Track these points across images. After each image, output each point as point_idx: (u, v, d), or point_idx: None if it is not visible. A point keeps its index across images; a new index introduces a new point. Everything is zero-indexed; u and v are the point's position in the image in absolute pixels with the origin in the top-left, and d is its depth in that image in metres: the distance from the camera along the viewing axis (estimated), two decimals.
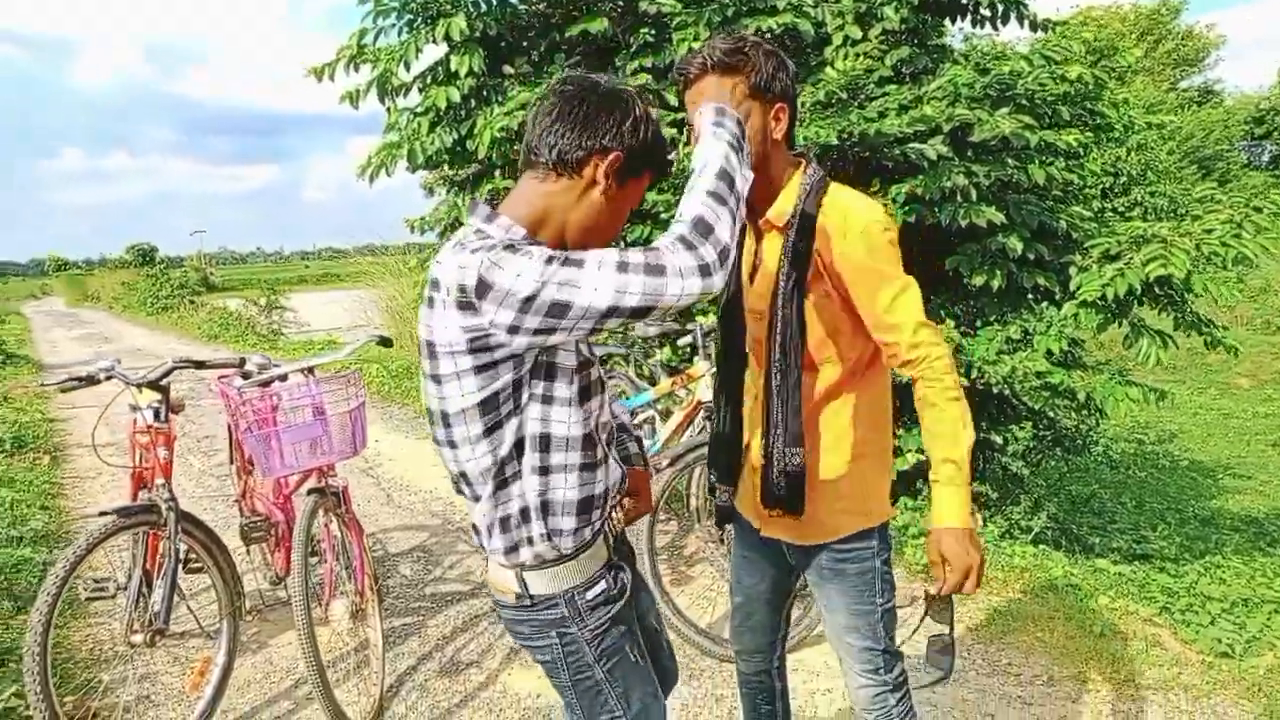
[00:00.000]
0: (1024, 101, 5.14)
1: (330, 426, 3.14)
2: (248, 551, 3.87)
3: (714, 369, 4.11)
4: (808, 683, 3.09)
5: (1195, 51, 38.72)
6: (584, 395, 1.52)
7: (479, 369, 1.42)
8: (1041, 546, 4.47)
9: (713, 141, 1.48)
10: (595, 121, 1.50)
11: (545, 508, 1.52)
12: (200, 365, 3.35)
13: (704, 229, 1.37)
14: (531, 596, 1.57)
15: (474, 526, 1.58)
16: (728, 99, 1.70)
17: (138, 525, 2.93)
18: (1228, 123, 31.59)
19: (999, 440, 5.94)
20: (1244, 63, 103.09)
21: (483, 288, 1.35)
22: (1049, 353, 5.13)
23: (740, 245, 1.95)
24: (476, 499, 1.54)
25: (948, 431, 1.74)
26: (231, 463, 4.07)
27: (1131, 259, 4.77)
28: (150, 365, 3.25)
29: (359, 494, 5.64)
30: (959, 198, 4.93)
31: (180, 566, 3.04)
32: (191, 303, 24.82)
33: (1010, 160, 5.09)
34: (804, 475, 1.82)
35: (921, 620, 1.92)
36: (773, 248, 1.85)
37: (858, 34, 5.41)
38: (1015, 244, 5.05)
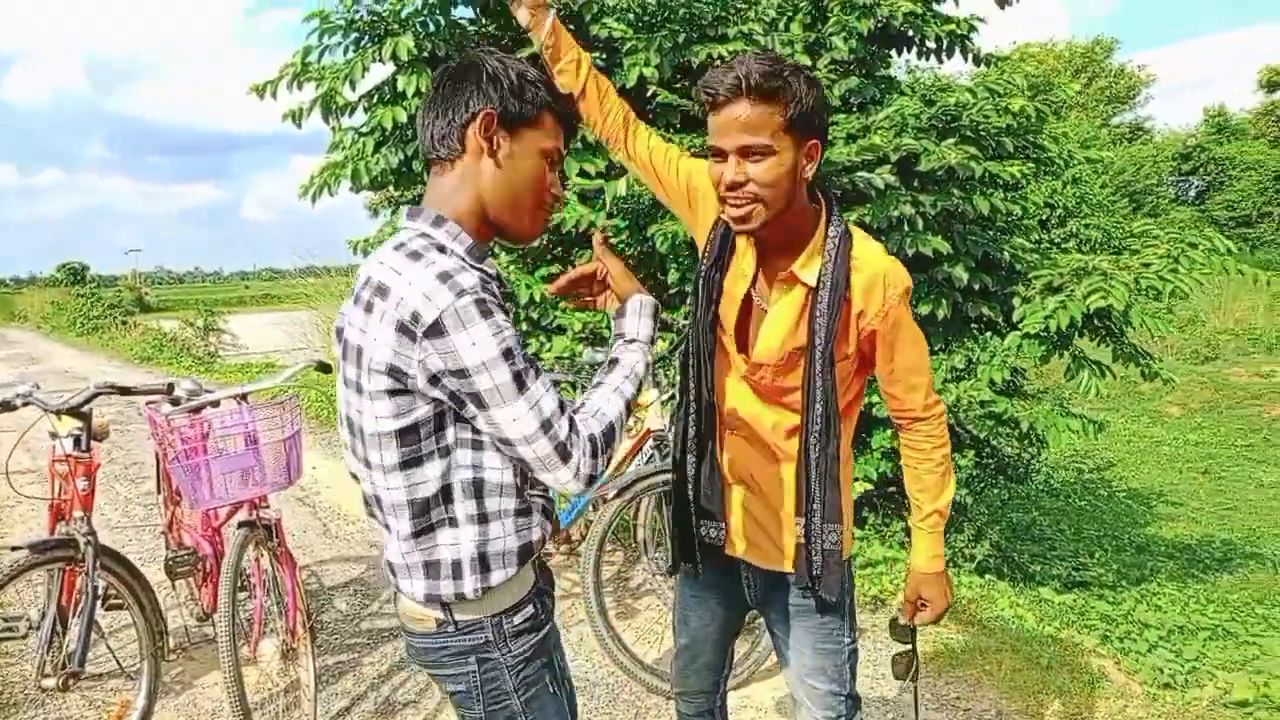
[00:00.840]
0: (969, 133, 5.22)
1: (263, 456, 3.00)
2: (173, 586, 3.69)
3: (663, 398, 4.06)
4: None
5: (1126, 89, 40.21)
6: None
7: (392, 393, 1.35)
8: (988, 576, 4.49)
9: (639, 350, 1.55)
10: (456, 95, 1.45)
11: (483, 560, 1.42)
12: (126, 391, 3.18)
13: (608, 441, 1.41)
14: (455, 621, 1.46)
15: (389, 564, 1.49)
16: (764, 131, 1.58)
17: (53, 561, 2.75)
18: (1157, 158, 32.81)
19: None
20: (1173, 101, 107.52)
21: (435, 330, 1.29)
22: (992, 382, 5.19)
23: (719, 290, 1.85)
24: (388, 529, 1.45)
25: (937, 484, 1.81)
26: (159, 492, 3.89)
27: (1073, 291, 4.86)
28: (74, 389, 3.09)
29: (294, 523, 5.45)
30: (906, 227, 4.98)
31: (99, 604, 2.88)
32: (124, 323, 24.11)
33: (956, 190, 5.16)
34: (841, 551, 1.77)
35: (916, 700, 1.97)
36: (789, 302, 1.75)
37: (807, 63, 5.46)
38: (961, 274, 5.11)
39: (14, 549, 2.69)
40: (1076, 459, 11.08)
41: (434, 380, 1.32)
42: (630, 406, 1.48)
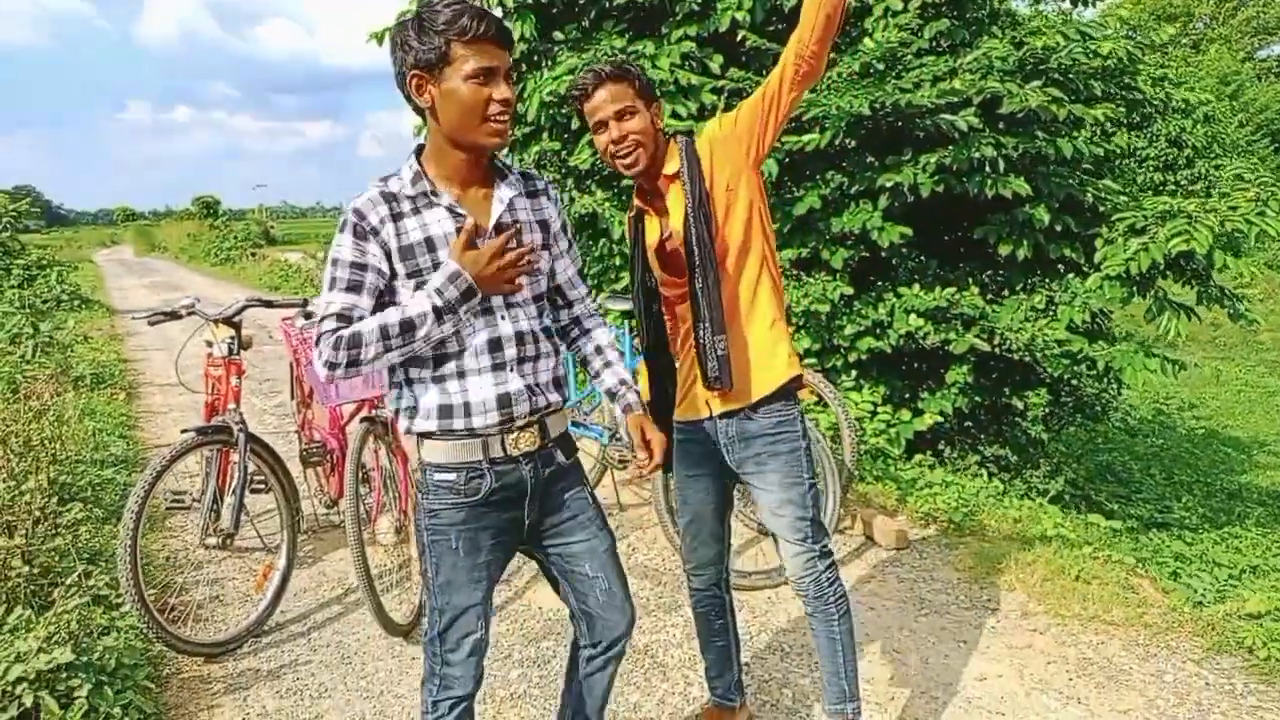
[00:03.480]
0: (1057, 76, 5.26)
1: None
2: (304, 477, 4.26)
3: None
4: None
5: (1277, 19, 37.21)
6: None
7: None
8: (1039, 501, 4.69)
9: (425, 299, 1.74)
10: (392, 63, 1.80)
11: (412, 410, 1.86)
12: (269, 304, 3.73)
13: (349, 345, 1.72)
14: (418, 458, 1.91)
15: None
16: (625, 98, 2.16)
17: (213, 442, 3.32)
18: None
19: (1019, 405, 6.13)
20: None
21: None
22: (1072, 323, 5.29)
23: (642, 231, 2.35)
24: None
25: None
26: (292, 398, 4.44)
27: (1156, 234, 4.89)
28: (227, 302, 3.63)
29: None
30: (987, 168, 5.08)
31: (248, 484, 3.44)
32: (253, 255, 25.60)
33: (1040, 133, 5.22)
34: (729, 356, 2.20)
35: None
36: (676, 195, 2.25)
37: (898, 5, 5.55)
38: (1042, 215, 5.19)
39: (183, 431, 3.25)
40: (1181, 407, 10.88)
41: None
42: (391, 333, 1.72)
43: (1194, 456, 9.08)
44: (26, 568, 3.11)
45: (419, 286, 1.76)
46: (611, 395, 2.08)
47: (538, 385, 1.89)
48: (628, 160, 2.20)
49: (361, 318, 1.75)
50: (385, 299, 1.80)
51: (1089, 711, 2.71)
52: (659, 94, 2.18)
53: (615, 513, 4.54)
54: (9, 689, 2.49)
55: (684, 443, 2.44)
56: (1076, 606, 3.30)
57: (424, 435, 1.86)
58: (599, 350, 2.10)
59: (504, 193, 1.86)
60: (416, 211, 1.79)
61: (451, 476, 1.86)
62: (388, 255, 1.77)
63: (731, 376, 2.21)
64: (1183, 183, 19.69)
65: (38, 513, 3.47)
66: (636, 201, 2.37)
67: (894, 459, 4.95)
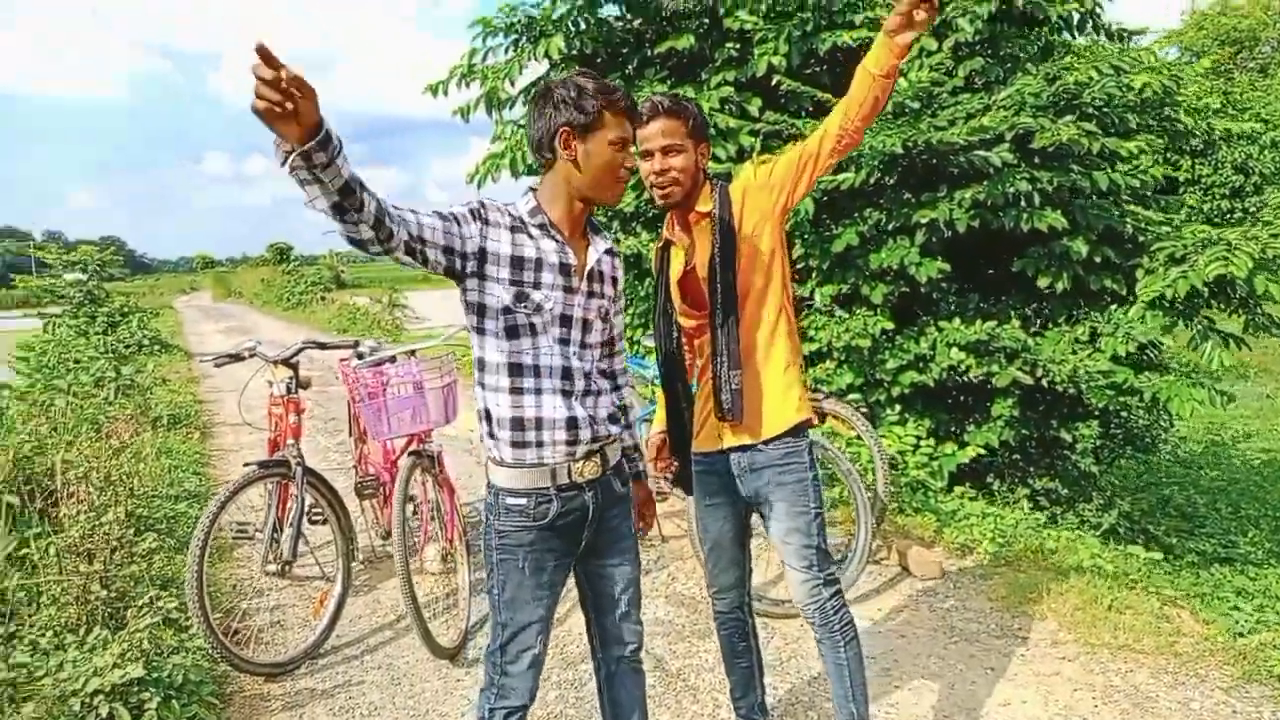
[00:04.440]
0: (1091, 110, 5.31)
1: (427, 399, 3.70)
2: (361, 510, 4.48)
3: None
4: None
5: None
6: (510, 334, 1.97)
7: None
8: (1078, 533, 4.68)
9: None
10: (539, 116, 2.00)
11: (487, 415, 2.03)
12: (323, 346, 4.00)
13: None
14: (488, 481, 2.08)
15: None
16: (676, 135, 2.30)
17: (272, 475, 3.56)
18: None
19: (1068, 438, 6.10)
20: None
21: None
22: (1115, 354, 5.29)
23: (667, 262, 2.52)
24: None
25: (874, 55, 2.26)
26: (350, 434, 4.70)
27: (1195, 261, 4.89)
28: (287, 345, 3.90)
29: (459, 468, 6.24)
30: (1022, 202, 5.15)
31: (305, 517, 3.67)
32: (322, 299, 26.46)
33: (1075, 167, 5.27)
34: (743, 391, 2.34)
35: None
36: (704, 233, 2.39)
37: (933, 45, 5.68)
38: (1079, 247, 5.23)
39: (245, 465, 3.50)
40: (1236, 437, 10.59)
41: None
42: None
43: (1261, 490, 8.82)
44: (104, 592, 3.37)
45: (518, 298, 1.96)
46: (625, 457, 2.27)
47: (597, 418, 2.09)
48: (664, 192, 2.37)
49: (416, 219, 1.85)
50: (465, 280, 1.97)
51: None
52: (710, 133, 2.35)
53: (657, 544, 4.67)
54: (87, 700, 2.73)
55: (702, 473, 2.58)
56: (1107, 635, 3.33)
57: (498, 463, 2.05)
58: (623, 410, 2.29)
59: (599, 244, 2.11)
60: (532, 236, 2.01)
61: (522, 501, 2.04)
62: (483, 242, 1.95)
63: (744, 411, 2.35)
64: (1251, 209, 19.22)
65: (115, 542, 3.73)
66: (665, 233, 2.53)
67: (934, 491, 4.99)
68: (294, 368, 3.84)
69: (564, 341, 2.03)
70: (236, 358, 3.83)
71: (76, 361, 9.49)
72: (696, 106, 2.39)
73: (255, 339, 3.91)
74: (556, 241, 2.01)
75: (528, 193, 2.06)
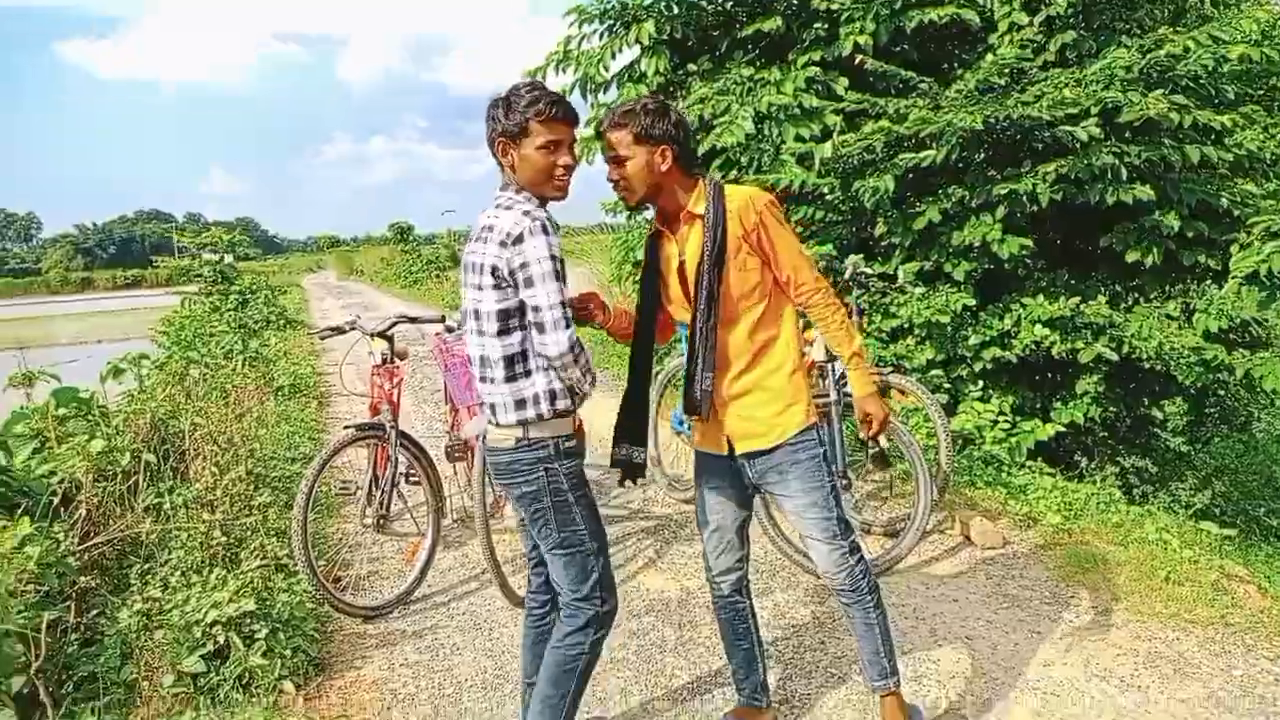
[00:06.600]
0: (1185, 83, 5.17)
1: None
2: (454, 471, 4.83)
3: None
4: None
5: None
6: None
7: (495, 287, 2.24)
8: (1147, 508, 4.63)
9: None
10: (486, 128, 2.32)
11: (553, 394, 2.31)
12: (414, 320, 4.36)
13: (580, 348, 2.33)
14: (530, 440, 2.33)
15: (490, 405, 2.37)
16: (621, 145, 2.41)
17: (369, 437, 3.92)
18: None
19: (1159, 415, 5.99)
20: None
21: (518, 240, 2.21)
22: (1207, 331, 5.17)
23: (658, 251, 2.60)
24: (491, 380, 2.33)
25: (845, 334, 2.55)
26: (446, 401, 5.05)
27: None
28: (383, 318, 4.25)
29: None
30: (1109, 176, 5.07)
31: (401, 477, 4.02)
32: (438, 276, 27.42)
33: (1166, 140, 5.15)
34: (712, 391, 2.47)
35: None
36: (695, 234, 2.47)
37: (1024, 20, 5.61)
38: (1171, 221, 5.13)
39: (345, 427, 3.87)
40: None
41: (512, 272, 2.20)
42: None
43: None
44: (224, 538, 3.80)
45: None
46: None
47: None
48: (620, 195, 2.53)
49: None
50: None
51: (1146, 699, 2.82)
52: (667, 129, 2.45)
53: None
54: (207, 629, 3.14)
55: (705, 459, 2.68)
56: (1159, 605, 3.36)
57: (556, 416, 2.35)
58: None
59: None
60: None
61: (574, 444, 2.41)
62: None
63: (713, 409, 2.50)
64: None
65: (235, 496, 4.17)
66: (657, 223, 2.61)
67: (1008, 466, 5.01)
68: (389, 339, 4.19)
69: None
70: (339, 330, 4.21)
71: (210, 335, 10.29)
72: (660, 109, 2.44)
73: (355, 313, 4.28)
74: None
75: (512, 189, 2.36)
